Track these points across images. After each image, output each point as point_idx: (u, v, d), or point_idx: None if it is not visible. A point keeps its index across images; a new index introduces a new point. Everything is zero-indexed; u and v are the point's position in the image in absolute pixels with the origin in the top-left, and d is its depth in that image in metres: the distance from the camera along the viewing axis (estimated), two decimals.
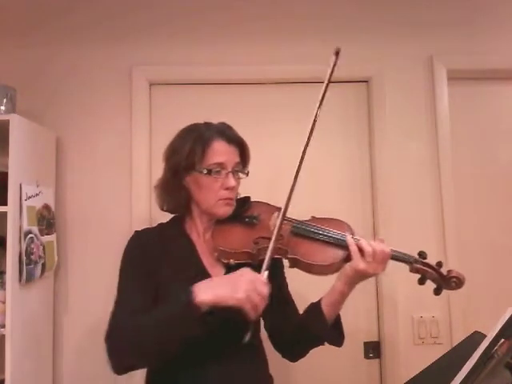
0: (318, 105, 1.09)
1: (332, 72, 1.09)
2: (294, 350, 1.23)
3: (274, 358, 1.23)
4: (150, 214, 1.78)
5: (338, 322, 1.15)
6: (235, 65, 1.85)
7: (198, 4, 1.86)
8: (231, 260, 1.10)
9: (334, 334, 1.13)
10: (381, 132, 1.86)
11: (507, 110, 1.96)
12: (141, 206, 1.78)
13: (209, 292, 0.93)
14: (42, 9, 1.84)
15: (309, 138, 1.11)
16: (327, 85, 1.08)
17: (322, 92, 1.08)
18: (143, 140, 1.81)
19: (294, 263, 1.11)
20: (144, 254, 1.11)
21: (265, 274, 0.98)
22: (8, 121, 1.46)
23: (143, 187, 1.78)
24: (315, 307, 1.13)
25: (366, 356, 1.82)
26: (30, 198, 1.52)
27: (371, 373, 1.82)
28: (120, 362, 1.00)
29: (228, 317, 0.96)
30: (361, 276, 1.07)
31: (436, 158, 1.85)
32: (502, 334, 0.73)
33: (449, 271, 1.11)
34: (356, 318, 1.82)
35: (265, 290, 0.94)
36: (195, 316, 0.92)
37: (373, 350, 1.82)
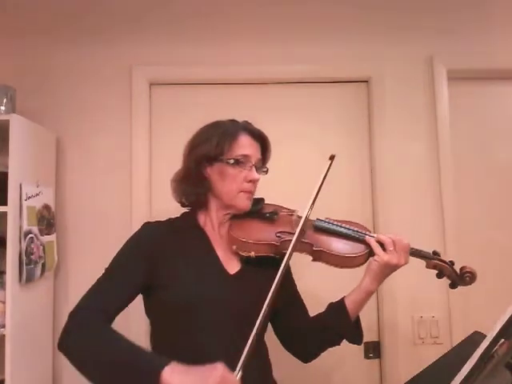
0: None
1: (326, 175, 1.11)
2: (308, 351, 1.22)
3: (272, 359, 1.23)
4: (150, 213, 1.78)
5: (357, 320, 1.16)
6: (235, 65, 1.86)
7: (198, 4, 1.86)
8: (252, 253, 1.10)
9: (355, 332, 1.15)
10: (381, 132, 1.86)
11: (507, 110, 1.96)
12: (141, 205, 1.78)
13: (177, 378, 0.87)
14: (41, 9, 1.84)
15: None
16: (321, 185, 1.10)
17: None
18: (143, 140, 1.81)
19: (319, 256, 1.12)
20: (146, 244, 1.11)
21: (239, 374, 0.90)
22: (8, 121, 1.46)
23: (143, 187, 1.78)
24: (339, 306, 1.14)
25: (366, 356, 1.82)
26: (29, 198, 1.52)
27: (371, 373, 1.82)
28: (64, 349, 1.00)
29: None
30: (386, 269, 1.09)
31: (436, 157, 1.86)
32: (501, 333, 0.73)
33: (462, 267, 1.16)
34: None
35: None
36: None
37: (373, 350, 1.82)
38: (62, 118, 1.82)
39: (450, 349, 1.22)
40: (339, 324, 1.13)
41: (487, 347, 0.74)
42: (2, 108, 1.54)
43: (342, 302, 1.14)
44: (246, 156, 1.13)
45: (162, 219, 1.20)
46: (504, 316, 0.75)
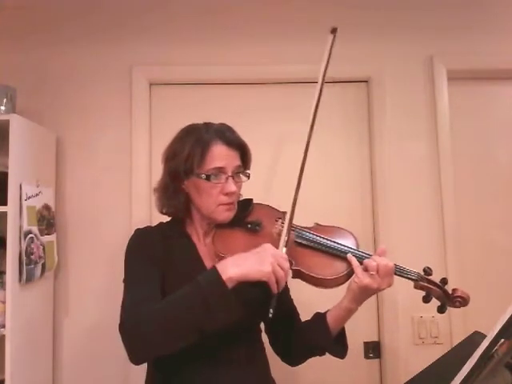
0: (316, 97, 1.08)
1: (330, 53, 1.06)
2: (294, 357, 1.22)
3: (272, 359, 1.23)
4: (149, 214, 1.78)
5: (342, 333, 1.14)
6: (235, 65, 1.85)
7: (198, 4, 1.86)
8: None
9: (337, 346, 1.13)
10: (381, 132, 1.86)
11: (507, 110, 1.96)
12: (140, 206, 1.78)
13: (236, 268, 0.92)
14: (41, 9, 1.84)
15: (309, 139, 1.11)
16: (325, 70, 1.06)
17: (319, 82, 1.06)
18: (143, 140, 1.81)
19: (298, 275, 1.08)
20: (148, 248, 1.10)
21: (283, 249, 1.01)
22: (8, 121, 1.46)
23: (143, 187, 1.78)
24: (320, 319, 1.12)
25: (366, 356, 1.82)
26: (29, 198, 1.52)
27: (371, 373, 1.82)
28: (140, 350, 0.93)
29: (249, 297, 0.97)
30: (366, 291, 1.05)
31: (436, 158, 1.85)
32: (501, 334, 0.73)
33: (454, 290, 1.10)
34: (356, 318, 1.80)
35: (287, 264, 0.97)
36: (227, 294, 0.90)
37: (373, 349, 1.82)
38: (62, 117, 1.82)
39: (450, 349, 1.22)
40: (319, 338, 1.11)
41: (487, 347, 0.74)
42: (2, 108, 1.54)
43: (323, 316, 1.12)
44: (219, 168, 1.08)
45: (158, 221, 1.21)
46: (504, 316, 0.75)
